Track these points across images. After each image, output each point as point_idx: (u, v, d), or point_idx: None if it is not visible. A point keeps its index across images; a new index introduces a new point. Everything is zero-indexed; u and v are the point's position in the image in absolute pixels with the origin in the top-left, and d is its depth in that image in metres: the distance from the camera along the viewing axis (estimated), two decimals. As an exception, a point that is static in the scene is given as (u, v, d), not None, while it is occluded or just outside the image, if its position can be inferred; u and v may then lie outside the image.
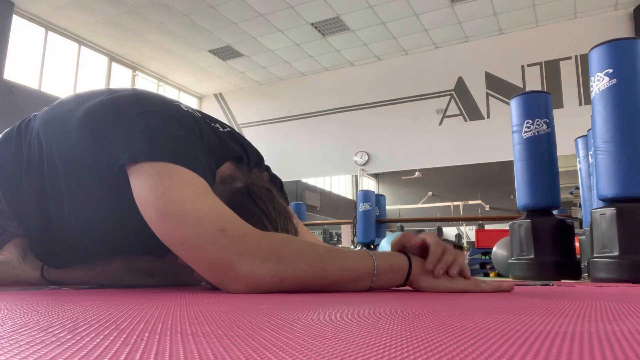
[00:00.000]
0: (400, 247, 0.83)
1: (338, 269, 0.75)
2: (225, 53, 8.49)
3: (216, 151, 0.88)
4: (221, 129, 0.95)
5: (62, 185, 0.89)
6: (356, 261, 0.76)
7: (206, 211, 0.74)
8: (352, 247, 6.70)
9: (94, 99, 0.90)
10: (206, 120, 0.94)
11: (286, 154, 9.04)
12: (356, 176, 9.81)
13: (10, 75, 6.88)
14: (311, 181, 13.85)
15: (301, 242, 0.78)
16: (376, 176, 15.18)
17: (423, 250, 0.82)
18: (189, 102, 10.02)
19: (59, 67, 7.77)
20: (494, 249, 5.05)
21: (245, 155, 0.95)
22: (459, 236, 13.34)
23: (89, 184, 0.87)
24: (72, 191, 0.89)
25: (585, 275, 3.04)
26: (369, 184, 13.85)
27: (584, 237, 3.76)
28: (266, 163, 1.06)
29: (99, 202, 0.88)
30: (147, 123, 0.82)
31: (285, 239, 0.77)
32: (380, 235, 7.00)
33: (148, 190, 0.75)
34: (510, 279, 2.85)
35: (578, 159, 3.96)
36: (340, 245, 8.74)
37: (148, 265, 1.04)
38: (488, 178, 13.10)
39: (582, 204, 3.87)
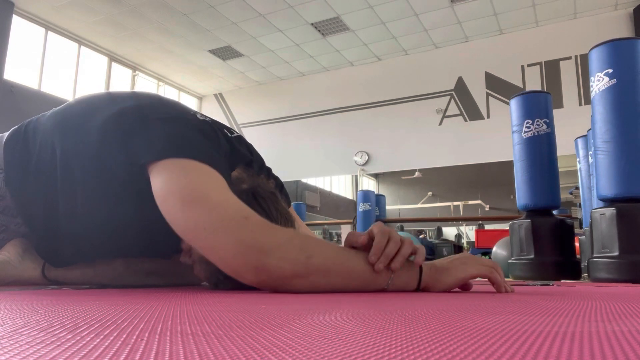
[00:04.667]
0: (350, 247, 0.80)
1: (362, 265, 0.75)
2: (225, 53, 8.49)
3: (229, 157, 0.91)
4: (230, 135, 0.98)
5: (77, 189, 0.91)
6: None
7: (229, 200, 0.76)
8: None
9: (113, 106, 0.92)
10: (217, 126, 0.96)
11: (286, 154, 9.04)
12: (356, 176, 9.81)
13: (10, 75, 6.88)
14: (311, 181, 13.85)
15: (321, 239, 0.81)
16: (376, 176, 15.18)
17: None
18: (189, 102, 10.02)
19: (59, 67, 7.77)
20: (494, 249, 5.05)
21: (252, 159, 0.97)
22: (459, 236, 13.35)
23: (109, 189, 0.89)
24: (89, 196, 0.91)
25: (585, 275, 3.04)
26: (369, 184, 13.85)
27: (584, 237, 3.76)
28: (266, 163, 1.07)
29: (112, 208, 0.90)
30: (168, 127, 0.85)
31: (305, 234, 0.80)
32: (380, 235, 6.98)
33: (172, 181, 0.77)
34: (510, 279, 2.85)
35: (578, 159, 3.96)
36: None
37: (148, 265, 1.04)
38: (488, 178, 13.10)
39: (582, 204, 3.87)
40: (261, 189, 0.89)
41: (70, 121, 0.95)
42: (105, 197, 0.90)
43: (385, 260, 0.74)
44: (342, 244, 0.82)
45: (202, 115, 0.97)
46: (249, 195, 0.86)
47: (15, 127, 1.03)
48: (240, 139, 1.00)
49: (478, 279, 0.83)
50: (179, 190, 0.76)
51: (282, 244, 0.72)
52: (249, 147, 1.02)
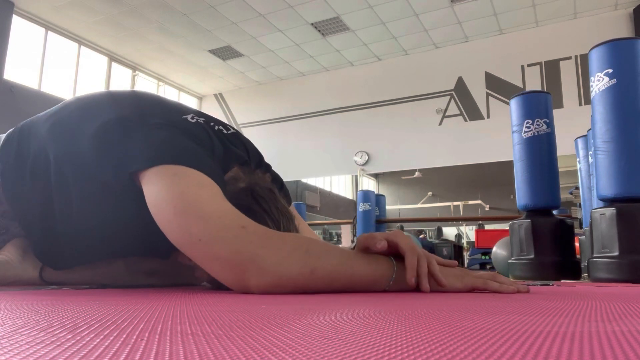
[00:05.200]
0: (364, 248, 0.78)
1: (364, 270, 0.73)
2: (225, 53, 8.49)
3: (222, 160, 0.88)
4: (225, 131, 0.96)
5: (72, 194, 0.90)
6: (380, 262, 0.75)
7: (224, 210, 0.73)
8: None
9: (101, 115, 0.89)
10: (210, 124, 0.94)
11: (286, 154, 9.04)
12: (356, 176, 9.81)
13: (10, 75, 6.88)
14: (311, 181, 13.85)
15: (325, 242, 0.79)
16: (376, 176, 15.18)
17: (392, 249, 0.77)
18: (189, 102, 10.02)
19: (59, 67, 7.77)
20: (494, 249, 5.05)
21: (248, 157, 0.95)
22: (459, 236, 13.35)
23: (103, 196, 0.88)
24: (84, 201, 0.90)
25: (585, 275, 3.04)
26: (369, 184, 13.85)
27: (584, 237, 3.76)
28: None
29: (108, 211, 0.89)
30: (157, 134, 0.82)
31: (309, 238, 0.76)
32: (380, 235, 6.97)
33: (164, 190, 0.74)
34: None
35: (578, 159, 3.96)
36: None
37: (148, 266, 1.04)
38: (488, 178, 13.11)
39: (582, 204, 3.87)
40: (259, 187, 0.87)
41: (62, 127, 0.93)
42: (99, 202, 0.89)
43: (426, 279, 0.73)
44: (343, 243, 0.81)
45: (195, 116, 0.93)
46: (247, 194, 0.84)
47: (10, 130, 1.02)
48: (237, 135, 0.98)
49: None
50: (172, 198, 0.73)
51: (283, 258, 0.69)
52: (246, 144, 0.99)
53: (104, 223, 0.90)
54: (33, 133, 0.97)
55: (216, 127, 0.94)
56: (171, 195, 0.74)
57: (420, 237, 10.01)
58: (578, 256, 3.44)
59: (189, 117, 0.91)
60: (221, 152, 0.89)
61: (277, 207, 0.85)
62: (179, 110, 0.95)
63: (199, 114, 0.96)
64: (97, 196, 0.88)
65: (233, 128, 1.01)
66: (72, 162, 0.89)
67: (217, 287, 0.81)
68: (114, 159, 0.82)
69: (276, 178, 1.04)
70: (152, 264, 1.04)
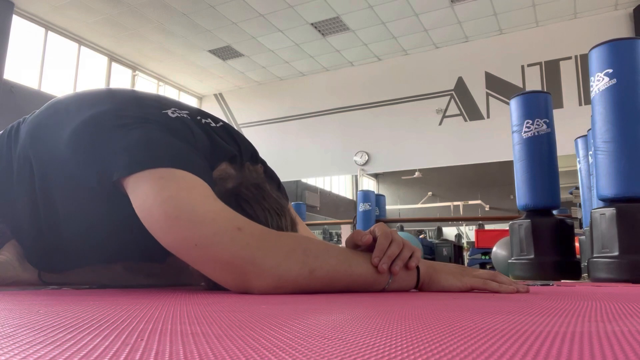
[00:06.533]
0: (353, 246, 0.77)
1: (363, 269, 0.73)
2: (225, 53, 8.49)
3: (209, 155, 0.85)
4: (213, 124, 0.92)
5: (56, 199, 0.87)
6: None
7: (218, 211, 0.70)
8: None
9: (75, 118, 0.85)
10: (196, 118, 0.90)
11: (286, 154, 9.04)
12: (356, 176, 9.81)
13: (10, 75, 6.88)
14: (311, 181, 13.84)
15: (323, 241, 0.77)
16: (376, 176, 15.18)
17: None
18: (189, 102, 10.01)
19: (59, 67, 7.77)
20: (494, 249, 5.06)
21: (239, 152, 0.91)
22: (459, 236, 13.34)
23: (87, 202, 0.85)
24: (67, 206, 0.88)
25: (585, 275, 3.04)
26: (369, 184, 13.85)
27: (584, 237, 3.76)
28: (266, 164, 1.04)
29: (95, 217, 0.87)
30: (136, 135, 0.77)
31: (307, 237, 0.75)
32: (380, 235, 6.97)
33: (152, 195, 0.71)
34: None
35: (578, 159, 3.96)
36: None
37: (147, 266, 1.03)
38: (488, 178, 13.11)
39: (582, 204, 3.87)
40: (244, 187, 0.83)
41: (41, 132, 0.89)
42: (85, 208, 0.86)
43: (387, 262, 0.73)
44: (344, 243, 0.81)
45: (177, 109, 0.88)
46: (230, 200, 0.79)
47: (1, 131, 1.00)
48: (226, 128, 0.94)
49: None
50: (161, 203, 0.69)
51: (282, 259, 0.68)
52: (236, 138, 0.94)
53: (92, 229, 0.88)
54: (19, 137, 0.94)
55: (203, 121, 0.91)
56: (160, 200, 0.70)
57: (420, 237, 10.00)
58: (578, 256, 3.44)
59: (169, 111, 0.86)
60: (207, 146, 0.85)
61: (263, 207, 0.81)
62: (157, 104, 0.89)
63: (182, 107, 0.92)
64: (81, 202, 0.85)
65: (222, 121, 0.97)
66: (53, 168, 0.86)
67: (214, 287, 0.79)
68: (95, 164, 0.79)
69: (273, 176, 1.01)
70: (150, 267, 1.03)
